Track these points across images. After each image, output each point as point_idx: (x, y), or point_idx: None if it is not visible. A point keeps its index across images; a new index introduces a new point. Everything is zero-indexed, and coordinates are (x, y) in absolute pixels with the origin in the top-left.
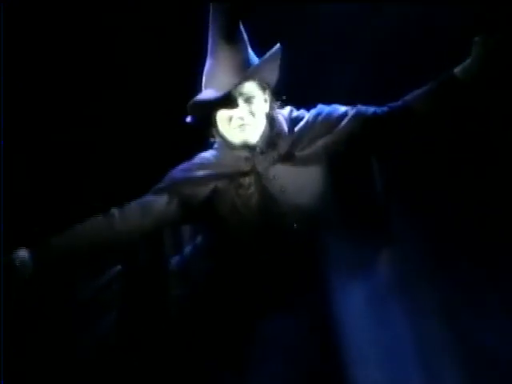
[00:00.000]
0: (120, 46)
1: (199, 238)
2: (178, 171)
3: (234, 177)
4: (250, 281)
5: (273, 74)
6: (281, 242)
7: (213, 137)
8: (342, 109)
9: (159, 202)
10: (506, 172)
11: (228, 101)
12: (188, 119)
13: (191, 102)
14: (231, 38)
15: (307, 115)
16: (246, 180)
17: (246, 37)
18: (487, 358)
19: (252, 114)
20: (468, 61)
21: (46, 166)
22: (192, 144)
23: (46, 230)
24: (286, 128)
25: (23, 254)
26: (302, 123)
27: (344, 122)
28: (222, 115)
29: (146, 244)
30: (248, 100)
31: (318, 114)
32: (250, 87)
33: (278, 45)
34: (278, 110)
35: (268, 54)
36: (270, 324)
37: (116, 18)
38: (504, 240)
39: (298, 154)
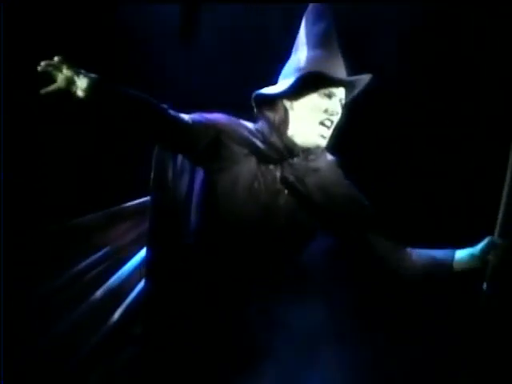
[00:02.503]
0: (120, 46)
1: None
2: (226, 118)
3: (263, 156)
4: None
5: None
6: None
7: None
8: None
9: (198, 126)
10: None
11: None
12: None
13: (312, 71)
14: (335, 36)
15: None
16: (272, 171)
17: None
18: None
19: (338, 116)
20: (471, 257)
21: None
22: None
23: None
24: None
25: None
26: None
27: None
28: (318, 103)
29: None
30: (341, 101)
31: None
32: (344, 94)
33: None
34: None
35: (369, 77)
36: None
37: (115, 18)
38: None
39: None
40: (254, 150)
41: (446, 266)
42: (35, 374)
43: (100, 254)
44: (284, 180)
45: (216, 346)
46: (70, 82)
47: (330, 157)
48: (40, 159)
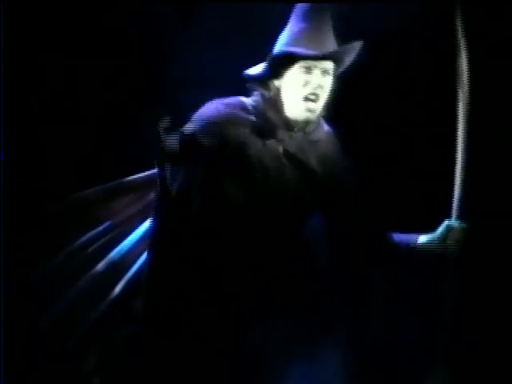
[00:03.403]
0: (119, 45)
1: None
2: (215, 117)
3: (262, 132)
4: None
5: (346, 65)
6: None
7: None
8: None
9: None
10: None
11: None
12: (254, 71)
13: (284, 51)
14: (323, 10)
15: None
16: (275, 146)
17: None
18: None
19: (324, 88)
20: (431, 242)
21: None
22: None
23: None
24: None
25: None
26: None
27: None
28: (298, 78)
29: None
30: (325, 72)
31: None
32: (331, 65)
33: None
34: None
35: (357, 43)
36: None
37: (114, 18)
38: None
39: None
40: (253, 128)
41: (409, 251)
42: (35, 351)
43: (101, 227)
44: (287, 153)
45: (218, 324)
46: None
47: (327, 128)
48: (39, 136)
